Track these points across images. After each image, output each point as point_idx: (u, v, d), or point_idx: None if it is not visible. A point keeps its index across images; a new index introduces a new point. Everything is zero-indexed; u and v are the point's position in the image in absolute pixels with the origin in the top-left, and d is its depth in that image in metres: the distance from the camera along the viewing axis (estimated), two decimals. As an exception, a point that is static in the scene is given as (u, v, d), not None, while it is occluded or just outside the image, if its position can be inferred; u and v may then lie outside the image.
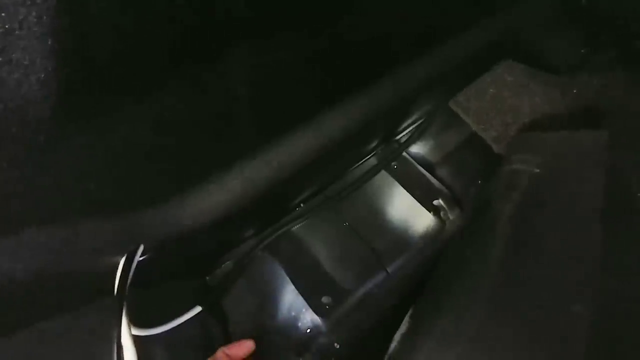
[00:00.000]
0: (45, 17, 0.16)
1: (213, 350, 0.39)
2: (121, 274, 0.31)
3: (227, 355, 0.36)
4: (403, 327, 0.37)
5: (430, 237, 0.50)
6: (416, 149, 0.58)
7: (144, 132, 0.27)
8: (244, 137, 0.36)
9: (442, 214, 0.52)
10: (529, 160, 0.39)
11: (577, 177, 0.35)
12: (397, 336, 0.36)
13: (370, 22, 0.37)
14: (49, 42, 0.17)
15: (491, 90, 0.53)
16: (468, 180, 0.55)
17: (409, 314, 0.38)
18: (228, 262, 0.48)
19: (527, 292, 0.30)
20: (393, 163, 0.56)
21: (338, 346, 0.44)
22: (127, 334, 0.31)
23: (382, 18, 0.38)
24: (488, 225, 0.38)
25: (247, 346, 0.38)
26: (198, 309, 0.41)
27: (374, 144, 0.55)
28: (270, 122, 0.37)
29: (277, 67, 0.32)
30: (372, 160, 0.56)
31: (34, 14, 0.16)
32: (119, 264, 0.31)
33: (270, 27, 0.28)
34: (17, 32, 0.17)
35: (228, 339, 0.44)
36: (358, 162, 0.55)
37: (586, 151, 0.36)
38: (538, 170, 0.38)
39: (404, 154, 0.57)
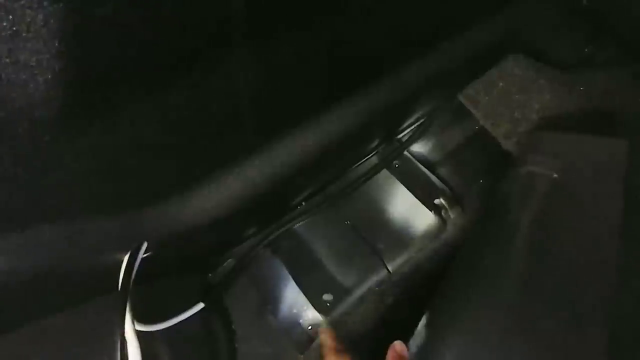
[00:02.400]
0: (51, 21, 0.17)
1: (215, 347, 0.39)
2: (125, 271, 0.31)
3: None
4: (419, 337, 0.37)
5: (431, 236, 0.50)
6: (418, 147, 0.58)
7: (148, 131, 0.27)
8: (246, 136, 0.36)
9: (443, 213, 0.52)
10: (546, 163, 0.38)
11: (596, 189, 0.35)
12: (413, 346, 0.36)
13: (372, 21, 0.37)
14: (56, 45, 0.18)
15: (500, 84, 0.53)
16: (469, 179, 0.55)
17: (423, 322, 0.38)
18: (230, 260, 0.48)
19: (544, 308, 0.30)
20: (394, 162, 0.56)
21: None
22: (131, 330, 0.31)
23: (384, 17, 0.38)
24: (507, 233, 0.37)
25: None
26: (200, 305, 0.41)
27: (375, 143, 0.55)
28: (272, 122, 0.37)
29: (279, 67, 0.32)
30: (373, 159, 0.56)
31: (40, 17, 0.16)
32: (122, 261, 0.32)
33: (271, 27, 0.29)
34: (24, 34, 0.17)
35: (230, 336, 0.44)
36: (359, 160, 0.55)
37: (605, 161, 0.36)
38: (556, 176, 0.37)
39: (406, 152, 0.57)
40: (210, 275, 0.48)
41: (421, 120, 0.59)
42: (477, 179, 0.54)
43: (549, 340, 0.29)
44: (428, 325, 0.37)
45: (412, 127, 0.59)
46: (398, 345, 0.35)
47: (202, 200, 0.36)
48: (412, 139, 0.57)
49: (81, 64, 0.20)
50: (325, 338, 0.40)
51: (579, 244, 0.33)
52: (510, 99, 0.52)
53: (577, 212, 0.35)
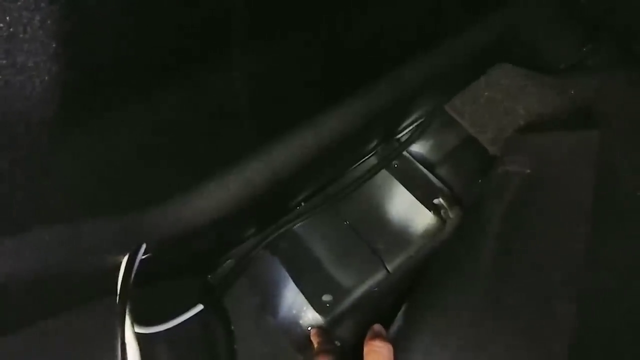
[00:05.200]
0: (48, 22, 0.17)
1: (215, 348, 0.39)
2: (124, 273, 0.31)
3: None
4: (396, 324, 0.38)
5: (430, 236, 0.50)
6: (416, 147, 0.58)
7: (146, 133, 0.27)
8: (244, 137, 0.36)
9: (442, 212, 0.52)
10: (521, 161, 0.39)
11: (567, 177, 0.36)
12: (391, 333, 0.37)
13: (370, 22, 0.37)
14: (53, 46, 0.18)
15: (486, 93, 0.54)
16: (468, 179, 0.55)
17: (402, 310, 0.39)
18: (229, 261, 0.48)
19: (515, 292, 0.31)
20: (393, 162, 0.56)
21: (339, 344, 0.45)
22: (130, 332, 0.31)
23: (381, 17, 0.38)
24: (480, 226, 0.38)
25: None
26: (200, 307, 0.41)
27: (374, 143, 0.55)
28: (271, 122, 0.37)
29: (276, 67, 0.32)
30: (372, 160, 0.56)
31: (37, 18, 0.16)
32: (121, 263, 0.32)
33: (269, 27, 0.29)
34: (21, 35, 0.17)
35: (230, 337, 0.44)
36: (358, 161, 0.55)
37: (577, 151, 0.37)
38: (529, 171, 0.38)
39: (405, 153, 0.57)
40: (209, 276, 0.48)
41: (420, 120, 0.59)
42: (475, 179, 0.54)
43: (518, 316, 0.30)
44: (405, 313, 0.38)
45: (411, 127, 0.59)
46: (377, 326, 0.36)
47: (200, 201, 0.36)
48: (411, 139, 0.57)
49: (78, 66, 0.20)
50: (313, 338, 0.41)
51: (548, 230, 0.34)
52: (496, 107, 0.52)
53: (547, 203, 0.36)
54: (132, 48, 0.22)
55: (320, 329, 0.43)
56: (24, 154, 0.22)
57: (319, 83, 0.38)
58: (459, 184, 0.54)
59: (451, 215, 0.52)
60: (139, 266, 0.33)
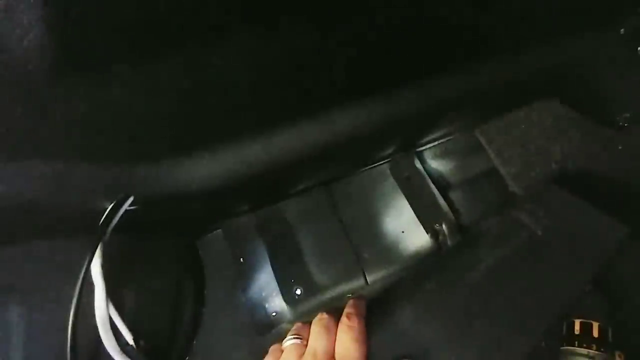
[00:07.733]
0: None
1: (181, 305, 0.41)
2: (106, 216, 0.34)
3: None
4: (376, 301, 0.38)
5: (420, 259, 0.49)
6: (435, 165, 0.56)
7: (140, 96, 0.28)
8: (244, 117, 0.36)
9: (440, 238, 0.50)
10: (537, 216, 0.37)
11: (571, 262, 0.34)
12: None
13: (403, 18, 0.35)
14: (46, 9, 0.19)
15: (522, 126, 0.49)
16: (479, 212, 0.51)
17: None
18: (217, 231, 0.50)
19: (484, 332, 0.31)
20: (406, 174, 0.54)
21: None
22: (99, 270, 0.34)
23: (419, 15, 0.35)
24: (472, 259, 0.37)
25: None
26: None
27: (390, 150, 0.53)
28: (274, 109, 0.37)
29: (284, 54, 0.32)
30: (385, 166, 0.54)
31: None
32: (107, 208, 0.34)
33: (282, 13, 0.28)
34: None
35: (199, 299, 0.47)
36: (369, 164, 0.54)
37: (597, 239, 0.34)
38: (540, 234, 0.36)
39: (421, 167, 0.54)
40: (195, 240, 0.50)
41: (446, 138, 0.56)
42: (487, 214, 0.51)
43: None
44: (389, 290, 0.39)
45: (435, 142, 0.56)
46: (353, 301, 0.37)
47: (193, 167, 0.37)
48: (431, 156, 0.55)
49: (73, 29, 0.21)
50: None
51: (536, 298, 0.33)
52: (529, 142, 0.48)
53: (544, 269, 0.35)
54: (131, 16, 0.23)
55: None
56: (22, 93, 0.25)
57: (336, 78, 0.37)
58: (468, 213, 0.51)
59: (449, 243, 0.49)
60: (124, 216, 0.35)
